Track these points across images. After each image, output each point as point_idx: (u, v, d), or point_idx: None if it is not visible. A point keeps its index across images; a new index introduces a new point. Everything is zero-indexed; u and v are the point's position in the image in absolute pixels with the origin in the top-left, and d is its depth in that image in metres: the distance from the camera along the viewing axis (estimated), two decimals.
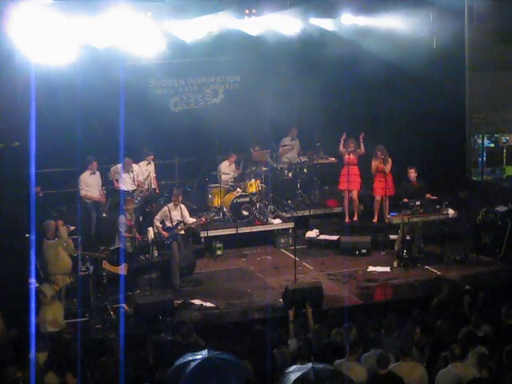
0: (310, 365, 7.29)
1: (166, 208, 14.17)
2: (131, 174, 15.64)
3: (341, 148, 16.58)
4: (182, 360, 7.59)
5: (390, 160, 16.06)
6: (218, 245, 15.68)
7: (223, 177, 16.52)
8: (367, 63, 18.06)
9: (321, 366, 7.33)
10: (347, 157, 16.41)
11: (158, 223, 14.10)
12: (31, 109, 14.38)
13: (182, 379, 7.28)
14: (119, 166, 15.78)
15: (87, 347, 10.22)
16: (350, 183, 16.45)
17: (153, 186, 16.09)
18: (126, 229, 13.74)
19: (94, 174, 15.34)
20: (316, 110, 18.32)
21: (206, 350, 7.65)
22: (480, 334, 9.63)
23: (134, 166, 15.85)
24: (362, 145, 16.49)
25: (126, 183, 15.66)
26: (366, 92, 18.27)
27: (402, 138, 17.85)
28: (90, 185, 15.27)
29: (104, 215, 15.37)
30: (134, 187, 15.72)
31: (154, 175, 16.35)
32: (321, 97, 18.06)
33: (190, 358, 7.49)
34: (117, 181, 15.89)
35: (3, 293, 10.99)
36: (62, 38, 15.41)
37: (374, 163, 16.14)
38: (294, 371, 7.21)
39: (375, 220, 16.49)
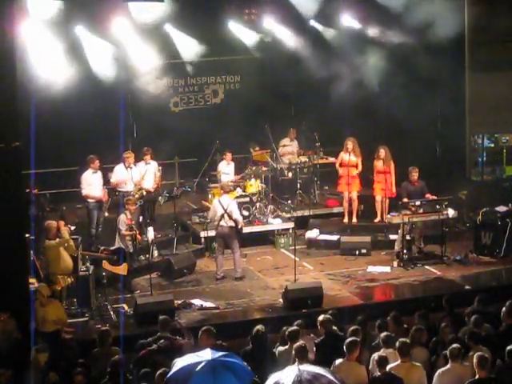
0: (294, 367, 7.10)
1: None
2: (130, 173, 15.56)
3: (342, 153, 16.49)
4: (183, 361, 7.50)
5: (391, 161, 16.04)
6: None
7: (223, 177, 16.51)
8: (366, 63, 18.11)
9: (302, 367, 7.13)
10: (347, 158, 16.37)
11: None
12: (31, 109, 14.42)
13: (187, 382, 7.18)
14: (118, 167, 15.66)
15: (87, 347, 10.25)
16: (350, 185, 16.41)
17: (154, 186, 16.01)
18: (127, 228, 13.71)
19: (96, 172, 15.27)
20: (316, 109, 18.35)
21: (210, 351, 7.58)
22: (481, 334, 9.63)
23: (132, 165, 15.74)
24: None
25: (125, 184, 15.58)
26: (366, 92, 18.26)
27: (402, 138, 17.83)
28: (92, 184, 15.19)
29: (105, 215, 15.31)
30: (133, 187, 15.59)
31: (159, 174, 16.20)
32: (321, 97, 18.09)
33: (193, 361, 7.40)
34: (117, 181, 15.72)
35: (3, 294, 10.96)
36: (62, 38, 15.49)
37: (375, 163, 16.13)
38: (282, 378, 7.00)
39: (378, 220, 16.42)
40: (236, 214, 14.36)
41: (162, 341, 9.65)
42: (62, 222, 12.72)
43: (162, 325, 10.25)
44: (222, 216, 14.23)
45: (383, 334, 9.46)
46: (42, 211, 14.74)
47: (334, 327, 10.04)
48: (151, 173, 15.95)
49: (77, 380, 8.86)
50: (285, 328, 9.93)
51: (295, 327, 9.81)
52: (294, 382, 6.67)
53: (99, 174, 15.33)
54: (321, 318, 10.01)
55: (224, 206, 14.23)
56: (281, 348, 9.69)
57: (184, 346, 9.60)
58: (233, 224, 14.26)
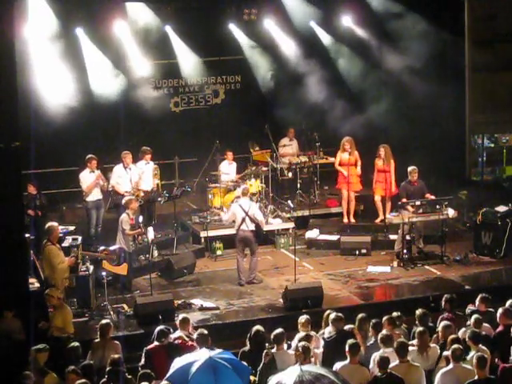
0: (296, 368, 7.08)
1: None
2: (129, 173, 15.52)
3: (340, 153, 16.47)
4: (181, 361, 7.52)
5: (392, 161, 16.03)
6: (218, 245, 15.65)
7: (223, 177, 16.50)
8: (366, 62, 18.14)
9: (304, 367, 7.11)
10: (346, 157, 16.33)
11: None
12: (31, 109, 14.45)
13: (189, 380, 7.19)
14: (116, 167, 15.61)
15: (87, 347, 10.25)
16: (349, 184, 16.40)
17: (153, 186, 15.99)
18: (130, 228, 13.69)
19: (93, 172, 15.23)
20: (316, 109, 18.34)
21: (206, 350, 7.60)
22: (481, 334, 9.63)
23: (132, 165, 15.70)
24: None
25: (124, 184, 15.52)
26: (365, 92, 18.28)
27: (402, 138, 17.85)
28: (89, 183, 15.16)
29: (106, 207, 15.27)
30: (131, 187, 15.53)
31: (155, 173, 16.15)
32: (320, 97, 18.08)
33: (191, 359, 7.41)
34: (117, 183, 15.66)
35: (2, 294, 10.95)
36: (62, 39, 15.51)
37: (376, 162, 16.11)
38: (284, 379, 6.99)
39: (378, 220, 16.38)
40: (260, 216, 14.22)
41: (177, 337, 9.68)
42: (72, 260, 12.46)
43: (181, 324, 10.26)
44: (244, 220, 13.98)
45: (382, 334, 9.45)
46: (41, 210, 14.69)
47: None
48: (150, 173, 15.91)
49: (70, 378, 8.82)
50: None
51: (280, 330, 9.69)
52: (295, 382, 6.67)
53: (96, 173, 15.26)
54: (332, 316, 9.98)
55: (245, 209, 14.01)
56: (276, 350, 9.65)
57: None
58: (253, 227, 14.09)
